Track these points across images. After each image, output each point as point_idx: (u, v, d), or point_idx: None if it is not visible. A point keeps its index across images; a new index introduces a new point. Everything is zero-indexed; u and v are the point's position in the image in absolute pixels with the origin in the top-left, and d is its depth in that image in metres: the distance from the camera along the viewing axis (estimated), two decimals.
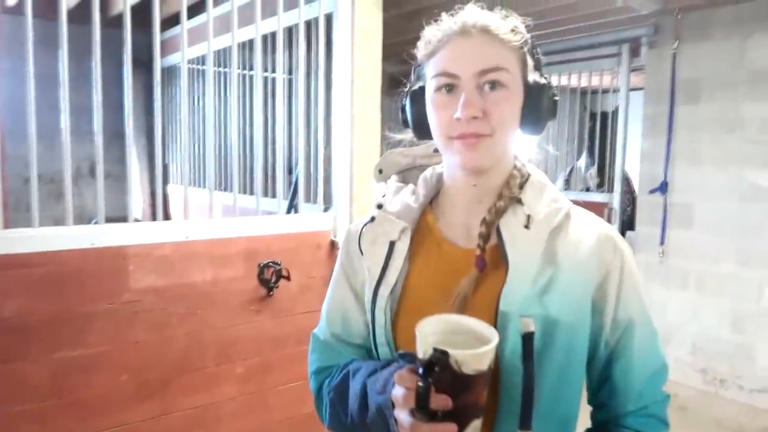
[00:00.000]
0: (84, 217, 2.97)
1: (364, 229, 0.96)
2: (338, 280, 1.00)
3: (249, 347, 2.02)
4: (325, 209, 2.28)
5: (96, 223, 1.80)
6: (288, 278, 2.03)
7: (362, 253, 0.95)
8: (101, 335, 1.76)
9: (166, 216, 3.54)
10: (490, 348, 0.71)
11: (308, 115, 2.41)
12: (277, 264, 2.03)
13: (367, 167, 2.25)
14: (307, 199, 2.41)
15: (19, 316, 1.63)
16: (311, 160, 2.44)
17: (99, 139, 1.82)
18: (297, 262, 2.09)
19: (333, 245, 2.20)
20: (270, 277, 2.02)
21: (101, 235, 1.76)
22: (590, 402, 0.96)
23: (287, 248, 2.08)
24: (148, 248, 1.83)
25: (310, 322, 2.10)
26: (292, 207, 2.44)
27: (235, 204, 2.23)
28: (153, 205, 4.02)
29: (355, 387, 0.88)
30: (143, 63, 3.83)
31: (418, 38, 0.92)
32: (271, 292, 2.03)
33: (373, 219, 0.95)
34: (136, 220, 2.23)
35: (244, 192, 3.23)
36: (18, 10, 1.82)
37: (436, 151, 1.00)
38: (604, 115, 4.53)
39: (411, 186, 0.99)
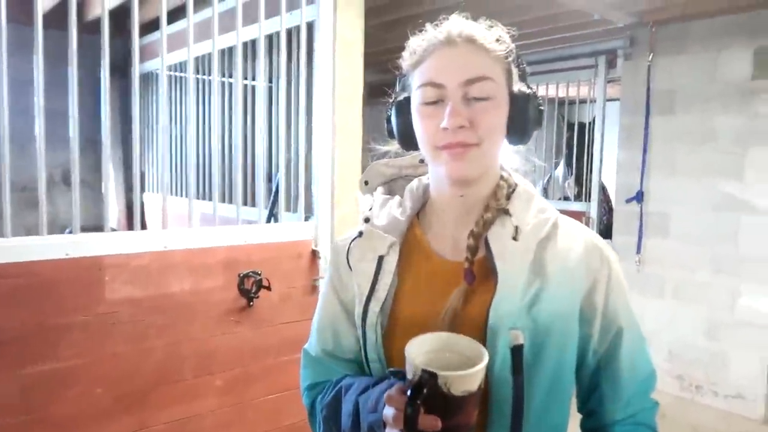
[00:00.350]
0: (57, 226, 2.92)
1: (351, 245, 0.95)
2: (327, 296, 0.99)
3: (229, 359, 1.99)
4: (306, 218, 2.26)
5: (70, 232, 1.76)
6: (269, 288, 2.00)
7: (351, 268, 0.94)
8: (75, 348, 1.71)
9: (143, 225, 3.48)
10: (480, 368, 0.71)
11: (289, 123, 2.40)
12: (257, 274, 2.00)
13: (348, 176, 2.23)
14: (288, 209, 2.39)
15: None
16: (292, 169, 2.42)
17: (75, 146, 1.78)
18: (278, 272, 2.07)
19: (314, 254, 2.18)
20: (250, 287, 1.99)
21: (76, 245, 1.72)
22: (580, 410, 0.96)
23: (268, 258, 2.06)
24: (125, 258, 1.79)
25: (291, 333, 2.09)
26: (272, 216, 2.42)
27: (215, 213, 2.20)
28: (129, 215, 3.95)
29: (347, 405, 0.87)
30: (119, 69, 3.78)
31: (398, 48, 0.92)
32: (252, 303, 2.00)
33: (360, 234, 0.95)
34: (112, 230, 2.18)
35: (224, 201, 3.19)
36: None
37: (422, 161, 1.00)
38: (582, 125, 4.59)
39: (397, 198, 0.98)
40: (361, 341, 0.91)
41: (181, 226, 2.06)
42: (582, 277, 0.87)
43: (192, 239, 1.93)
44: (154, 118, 3.88)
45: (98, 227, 1.84)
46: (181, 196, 3.46)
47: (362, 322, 0.89)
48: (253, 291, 1.99)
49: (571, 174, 4.71)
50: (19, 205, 3.52)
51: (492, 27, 0.88)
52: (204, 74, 3.48)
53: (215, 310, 1.96)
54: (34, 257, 1.65)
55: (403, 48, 0.91)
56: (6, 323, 1.60)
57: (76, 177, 1.79)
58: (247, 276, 1.98)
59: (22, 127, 2.25)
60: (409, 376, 0.72)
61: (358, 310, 0.91)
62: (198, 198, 3.15)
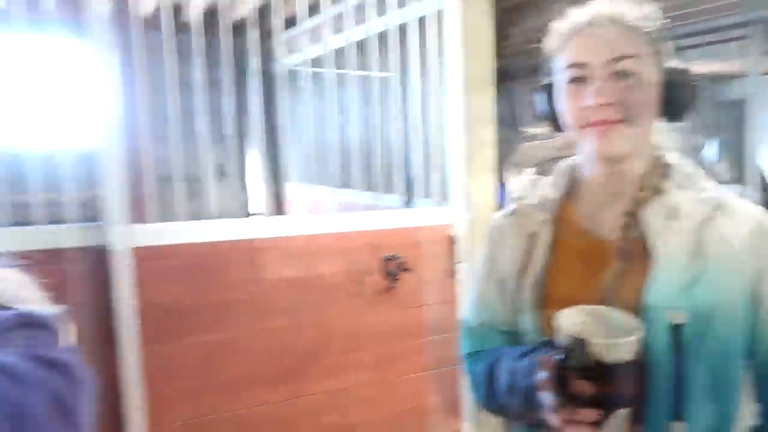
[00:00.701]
0: (209, 216, 3.19)
1: (505, 222, 0.99)
2: (483, 271, 1.04)
3: (373, 337, 2.09)
4: (442, 204, 2.30)
5: (235, 217, 1.94)
6: (410, 270, 2.08)
7: (504, 244, 0.98)
8: (241, 321, 1.89)
9: (286, 212, 3.74)
10: (630, 340, 0.73)
11: (423, 112, 2.45)
12: (399, 257, 2.08)
13: (481, 162, 2.24)
14: (425, 195, 2.44)
15: (171, 301, 1.79)
16: (427, 157, 2.48)
17: (229, 141, 1.96)
18: (418, 256, 2.13)
19: (452, 240, 2.22)
20: (393, 269, 2.07)
21: (241, 229, 1.89)
22: (756, 399, 0.91)
23: (408, 242, 2.13)
24: (281, 241, 1.94)
25: (432, 315, 2.14)
26: (409, 203, 2.49)
27: (356, 200, 2.31)
28: (277, 203, 4.25)
29: (503, 371, 0.91)
30: (262, 67, 4.07)
31: (525, 32, 0.94)
32: (394, 285, 2.08)
33: (514, 211, 0.98)
34: (259, 216, 2.38)
35: (362, 189, 3.34)
36: (154, 24, 2.00)
37: (571, 142, 1.00)
38: (735, 103, 4.20)
39: (549, 178, 1.00)
40: (516, 314, 0.95)
41: (326, 213, 2.19)
42: (750, 261, 0.83)
43: (338, 224, 2.04)
44: (296, 113, 4.12)
45: (250, 214, 2.02)
46: (321, 185, 3.65)
47: (517, 295, 0.93)
48: (395, 273, 2.07)
49: (723, 156, 4.34)
50: (172, 195, 3.87)
51: (639, 4, 0.87)
52: (340, 68, 3.64)
53: (360, 291, 2.06)
54: (205, 239, 1.84)
55: (529, 32, 0.94)
56: (182, 297, 1.81)
57: (228, 169, 1.97)
58: (390, 259, 2.07)
59: (185, 125, 2.51)
60: (561, 342, 0.75)
61: (513, 285, 0.94)
62: (338, 187, 3.32)
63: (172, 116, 2.02)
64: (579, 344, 0.72)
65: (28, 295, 0.71)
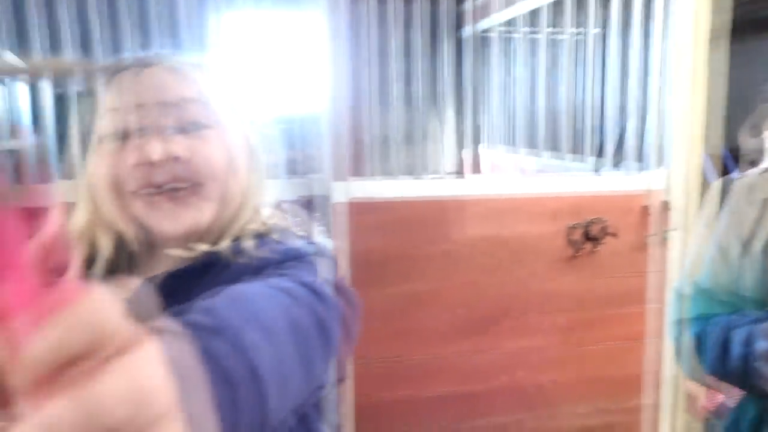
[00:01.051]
0: (412, 173, 3.32)
1: (741, 186, 0.93)
2: (708, 236, 0.99)
3: (570, 301, 2.08)
4: (648, 169, 2.17)
5: (436, 177, 2.04)
6: (614, 235, 2.01)
7: (745, 204, 0.92)
8: (437, 273, 2.00)
9: (477, 173, 3.80)
10: None
11: (624, 71, 2.30)
12: (603, 221, 2.02)
13: (693, 125, 2.06)
14: (626, 159, 2.32)
15: (378, 251, 1.96)
16: (632, 118, 2.34)
17: (420, 104, 2.04)
18: (622, 223, 2.05)
19: (654, 207, 2.09)
20: (595, 235, 2.02)
21: (443, 187, 1.99)
22: None
23: (612, 207, 2.06)
24: (482, 200, 2.00)
25: (633, 285, 2.07)
26: (604, 167, 2.38)
27: (550, 163, 2.27)
28: (470, 165, 4.34)
29: (733, 336, 0.88)
30: (454, 31, 4.10)
31: None
32: (595, 250, 2.04)
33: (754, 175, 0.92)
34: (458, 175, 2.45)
35: (556, 152, 3.26)
36: None
37: None
38: None
39: None
40: (741, 280, 0.90)
41: (517, 174, 2.20)
42: None
43: (541, 186, 2.04)
44: (487, 75, 4.12)
45: (438, 173, 2.10)
46: (513, 147, 3.64)
47: (745, 261, 0.89)
48: (597, 239, 2.02)
49: None
50: (378, 153, 4.09)
51: None
52: (533, 29, 3.53)
53: (559, 253, 2.05)
54: (410, 195, 1.97)
55: None
56: (388, 248, 1.96)
57: (424, 131, 2.06)
58: (592, 223, 2.02)
59: (385, 87, 2.65)
60: None
61: (739, 250, 0.90)
62: (531, 150, 3.28)
63: (385, 81, 2.16)
64: None
65: (294, 233, 0.85)
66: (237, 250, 0.73)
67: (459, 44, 3.95)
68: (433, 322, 2.01)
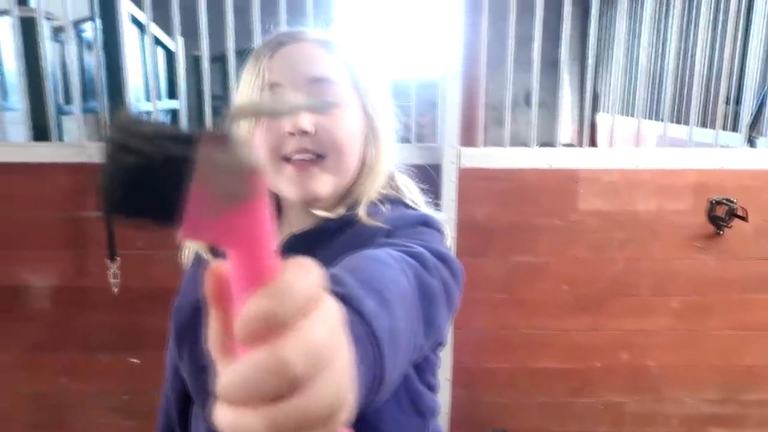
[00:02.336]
0: (517, 142, 3.24)
1: None
2: None
3: (688, 284, 1.96)
4: None
5: (550, 147, 1.97)
6: (744, 218, 1.86)
7: None
8: (548, 247, 1.96)
9: (593, 144, 3.62)
10: None
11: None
12: (731, 202, 1.87)
13: None
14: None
15: (486, 220, 1.95)
16: None
17: (536, 69, 1.95)
18: (755, 203, 1.89)
19: None
20: (721, 215, 1.88)
21: (557, 158, 1.92)
22: None
23: (744, 186, 1.90)
24: (598, 173, 1.92)
25: (761, 270, 1.91)
26: (752, 142, 2.19)
27: (681, 135, 2.12)
28: (580, 133, 4.15)
29: None
30: None
31: None
32: (721, 232, 1.90)
33: None
34: (570, 146, 2.34)
35: (679, 122, 3.03)
36: None
37: None
38: None
39: None
40: None
41: (650, 147, 2.06)
42: None
43: (662, 160, 1.92)
44: (612, 37, 3.87)
45: (550, 143, 2.01)
46: (633, 116, 3.43)
47: None
48: (724, 219, 1.88)
49: None
50: (488, 122, 4.04)
51: None
52: None
53: (679, 233, 1.94)
54: (523, 165, 1.93)
55: None
56: (497, 218, 1.95)
57: (535, 97, 1.98)
58: (718, 203, 1.88)
59: (495, 52, 2.55)
60: None
61: None
62: (651, 119, 3.06)
63: (502, 45, 2.09)
64: None
65: (420, 200, 0.88)
66: (371, 213, 0.78)
67: (587, 4, 3.73)
68: (540, 296, 1.98)
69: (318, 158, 0.75)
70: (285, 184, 0.76)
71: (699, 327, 1.99)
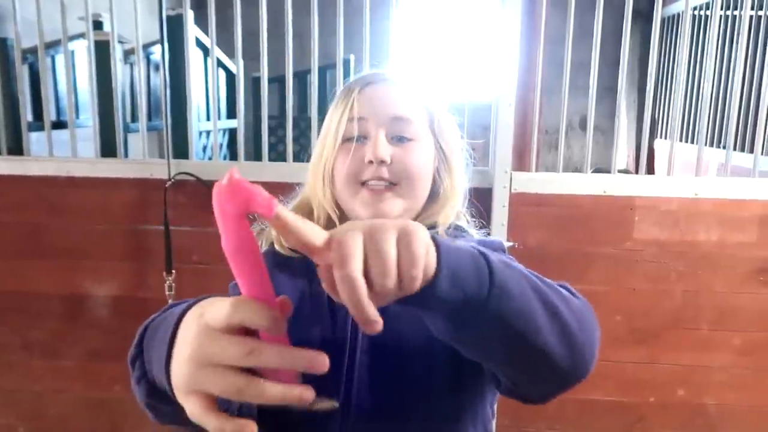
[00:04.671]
0: (570, 168, 3.18)
1: None
2: None
3: (751, 319, 1.87)
4: None
5: (605, 173, 1.93)
6: None
7: None
8: (602, 276, 1.91)
9: (650, 171, 3.52)
10: None
11: None
12: None
13: None
14: None
15: (537, 246, 1.92)
16: None
17: (593, 94, 1.92)
18: None
19: None
20: None
21: (613, 184, 1.88)
22: None
23: None
24: (655, 201, 1.87)
25: None
26: None
27: (746, 163, 2.03)
28: (637, 159, 4.04)
29: None
30: (642, 14, 3.79)
31: None
32: None
33: None
34: (626, 172, 2.29)
35: (744, 150, 2.92)
36: None
37: None
38: None
39: None
40: None
41: (710, 176, 2.00)
42: None
43: (724, 189, 1.85)
44: (673, 62, 3.78)
45: (606, 170, 1.96)
46: (693, 143, 3.32)
47: None
48: None
49: None
50: (542, 147, 4.01)
51: None
52: (732, 9, 3.16)
53: (743, 266, 1.85)
54: (577, 191, 1.90)
55: None
56: (549, 244, 1.91)
57: (590, 122, 1.94)
58: None
59: (551, 77, 2.52)
60: None
61: None
62: (714, 146, 2.96)
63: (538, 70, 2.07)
64: None
65: (473, 227, 0.90)
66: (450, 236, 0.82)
67: (648, 29, 3.66)
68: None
69: (391, 185, 0.81)
70: (359, 205, 0.82)
71: (763, 365, 1.89)
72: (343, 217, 0.84)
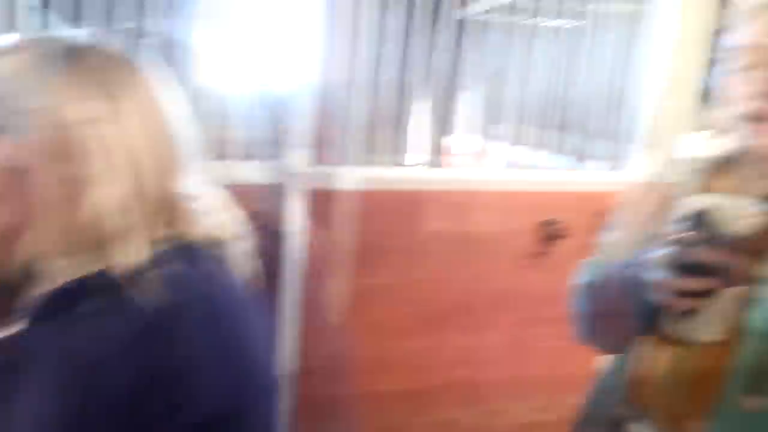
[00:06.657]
0: (378, 162, 3.23)
1: None
2: None
3: (519, 300, 2.07)
4: (619, 169, 2.16)
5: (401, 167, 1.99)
6: (566, 237, 2.01)
7: None
8: (394, 269, 1.97)
9: (447, 165, 3.74)
10: (750, 213, 0.75)
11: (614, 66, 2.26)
12: (557, 222, 2.01)
13: (674, 124, 2.05)
14: (604, 158, 2.30)
15: (336, 242, 1.90)
16: (609, 117, 2.31)
17: (394, 90, 1.98)
18: (581, 223, 2.04)
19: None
20: (549, 234, 2.02)
21: (403, 178, 1.95)
22: None
23: (571, 206, 2.04)
24: (440, 194, 1.97)
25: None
26: (580, 164, 2.37)
27: (523, 158, 2.24)
28: (436, 154, 4.27)
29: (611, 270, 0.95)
30: (434, 14, 3.98)
31: None
32: (549, 250, 2.03)
33: None
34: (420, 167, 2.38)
35: (534, 147, 3.23)
36: None
37: None
38: None
39: None
40: None
41: (488, 168, 2.16)
42: None
43: (498, 181, 2.02)
44: (468, 62, 4.03)
45: (407, 165, 2.04)
46: (488, 139, 3.58)
47: None
48: (551, 239, 2.01)
49: None
50: (342, 140, 3.94)
51: None
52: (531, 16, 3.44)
53: (512, 252, 2.04)
54: (369, 186, 1.92)
55: None
56: (342, 240, 1.91)
57: (396, 118, 2.01)
58: (547, 223, 2.01)
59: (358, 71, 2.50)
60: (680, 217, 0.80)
61: None
62: (506, 142, 3.22)
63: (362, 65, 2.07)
64: (699, 215, 0.75)
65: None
66: None
67: (450, 28, 3.85)
68: (379, 318, 1.98)
69: None
70: None
71: (528, 341, 2.11)
72: None
